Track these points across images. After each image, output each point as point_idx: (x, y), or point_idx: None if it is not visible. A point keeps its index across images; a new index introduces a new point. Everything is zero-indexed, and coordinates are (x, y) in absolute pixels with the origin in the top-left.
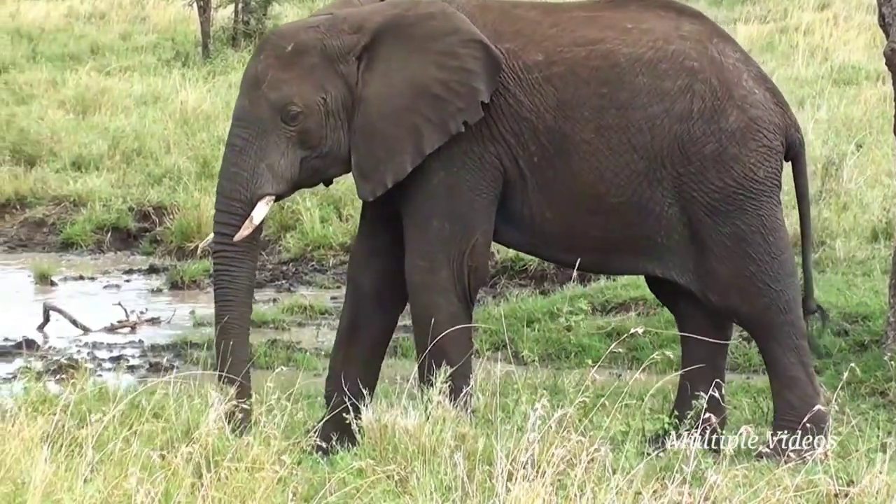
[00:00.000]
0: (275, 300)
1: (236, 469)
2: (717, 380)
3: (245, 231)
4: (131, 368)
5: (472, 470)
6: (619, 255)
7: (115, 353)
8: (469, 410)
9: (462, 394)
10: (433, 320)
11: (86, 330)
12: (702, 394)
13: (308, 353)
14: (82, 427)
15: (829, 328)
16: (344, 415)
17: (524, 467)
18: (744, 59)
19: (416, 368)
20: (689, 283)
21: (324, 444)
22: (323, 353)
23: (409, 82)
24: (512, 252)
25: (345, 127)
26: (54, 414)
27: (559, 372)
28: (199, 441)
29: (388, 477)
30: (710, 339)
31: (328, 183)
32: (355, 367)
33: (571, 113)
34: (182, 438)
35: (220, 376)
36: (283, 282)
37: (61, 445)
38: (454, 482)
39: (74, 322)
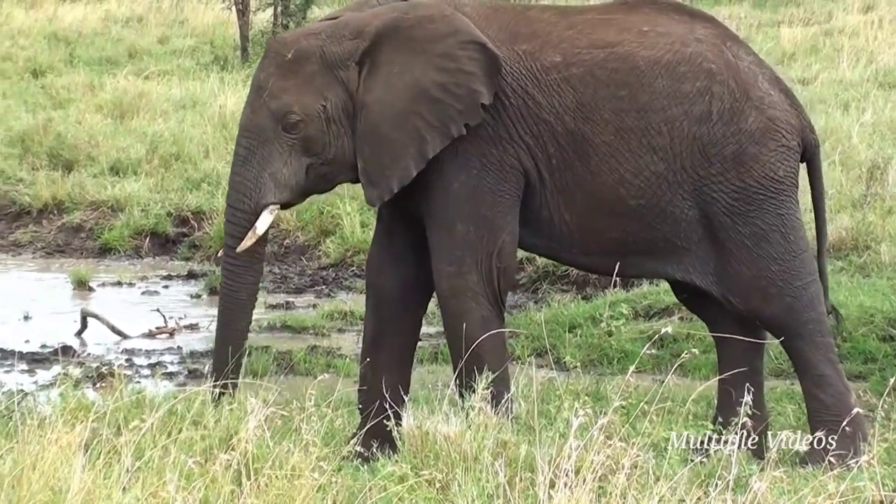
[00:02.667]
0: (315, 306)
1: (276, 476)
2: (756, 383)
3: (248, 241)
4: (169, 375)
5: (513, 477)
6: (638, 258)
7: (154, 360)
8: (511, 416)
9: (504, 399)
10: (465, 325)
11: (124, 336)
12: (745, 398)
13: (348, 360)
14: (120, 434)
15: (842, 330)
16: (384, 421)
17: (566, 474)
18: (757, 61)
19: (454, 375)
20: (709, 286)
21: (364, 451)
22: None
23: (410, 86)
24: None
25: (348, 133)
26: (92, 421)
27: (601, 378)
28: (238, 448)
29: (428, 484)
30: (746, 339)
31: (328, 190)
32: (387, 373)
33: (591, 115)
34: (221, 446)
35: (213, 384)
36: (323, 287)
37: (99, 453)
38: (496, 489)
39: (112, 328)
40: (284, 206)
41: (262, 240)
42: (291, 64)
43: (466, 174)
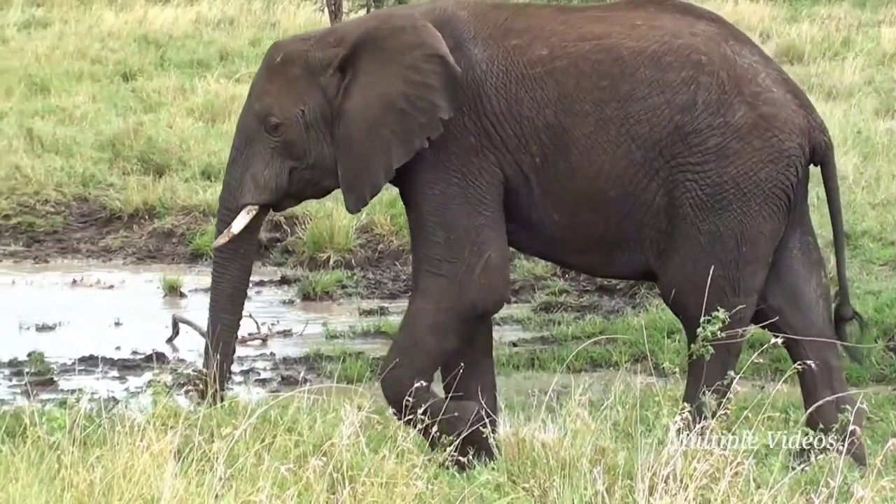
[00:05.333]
0: None
1: (371, 484)
2: (836, 382)
3: (221, 239)
4: (262, 382)
5: (612, 484)
6: (620, 252)
7: (246, 367)
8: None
9: (412, 405)
10: (416, 322)
11: None
12: (847, 405)
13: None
14: (213, 441)
15: (865, 336)
16: (481, 428)
17: (666, 481)
18: (764, 61)
19: (552, 381)
20: (656, 269)
21: (461, 459)
22: None
23: (381, 95)
24: None
25: (327, 139)
26: (185, 428)
27: None
28: (332, 455)
29: (526, 492)
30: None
31: (322, 195)
32: (472, 377)
33: (571, 106)
34: (315, 453)
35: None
36: None
37: (191, 460)
38: (594, 497)
39: (204, 334)
40: (276, 209)
41: (246, 236)
42: (279, 67)
43: (446, 183)
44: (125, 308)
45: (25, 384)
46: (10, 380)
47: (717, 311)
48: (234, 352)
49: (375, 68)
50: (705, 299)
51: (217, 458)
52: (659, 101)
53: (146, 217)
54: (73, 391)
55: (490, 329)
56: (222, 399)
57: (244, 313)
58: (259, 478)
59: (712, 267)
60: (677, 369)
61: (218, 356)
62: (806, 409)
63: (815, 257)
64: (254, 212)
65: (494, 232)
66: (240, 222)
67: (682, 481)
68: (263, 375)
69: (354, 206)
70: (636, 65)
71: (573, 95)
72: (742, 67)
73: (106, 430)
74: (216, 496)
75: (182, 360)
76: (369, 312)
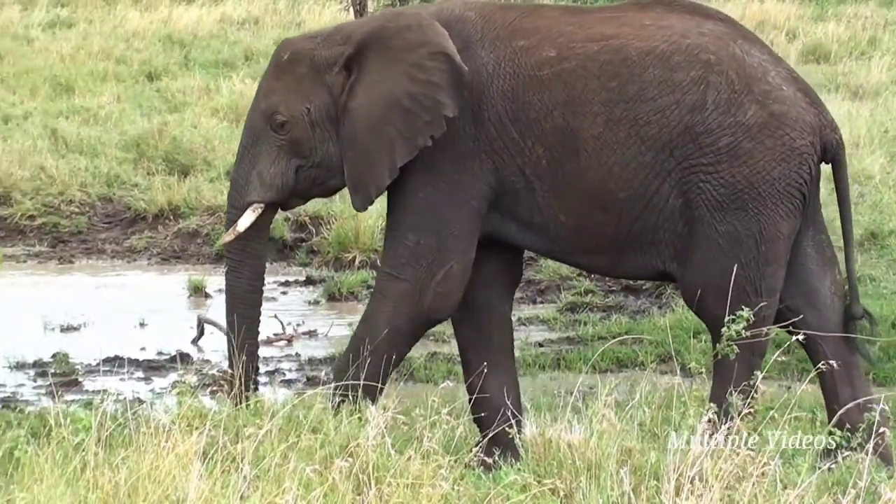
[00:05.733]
0: None
1: (398, 485)
2: (856, 379)
3: (227, 237)
4: (287, 382)
5: (638, 485)
6: (633, 254)
7: (272, 367)
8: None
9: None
10: (370, 321)
11: None
12: (874, 405)
13: None
14: (238, 442)
15: (876, 333)
16: (507, 429)
17: (692, 482)
18: (773, 59)
19: (578, 381)
20: (674, 270)
21: (487, 459)
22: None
23: (386, 94)
24: None
25: (333, 137)
26: (210, 429)
27: None
28: (358, 456)
29: (552, 492)
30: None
31: (329, 193)
32: (495, 377)
33: (580, 108)
34: (341, 453)
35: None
36: None
37: (217, 461)
38: (620, 498)
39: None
40: (283, 208)
41: (259, 235)
42: (286, 65)
43: (433, 188)
44: (150, 309)
45: (50, 385)
46: (35, 380)
47: (742, 311)
48: (258, 349)
49: (380, 67)
50: (728, 300)
51: (242, 458)
52: (668, 101)
53: (171, 217)
54: (97, 392)
55: (511, 329)
56: (247, 399)
57: (270, 314)
58: (285, 478)
59: (733, 268)
60: (703, 370)
61: (244, 356)
62: (827, 407)
63: (828, 255)
64: (259, 210)
65: (464, 243)
66: (246, 220)
67: (708, 482)
68: (289, 376)
69: (361, 205)
70: (645, 65)
71: (582, 97)
72: (751, 66)
73: (131, 430)
74: (241, 497)
75: (207, 361)
76: None
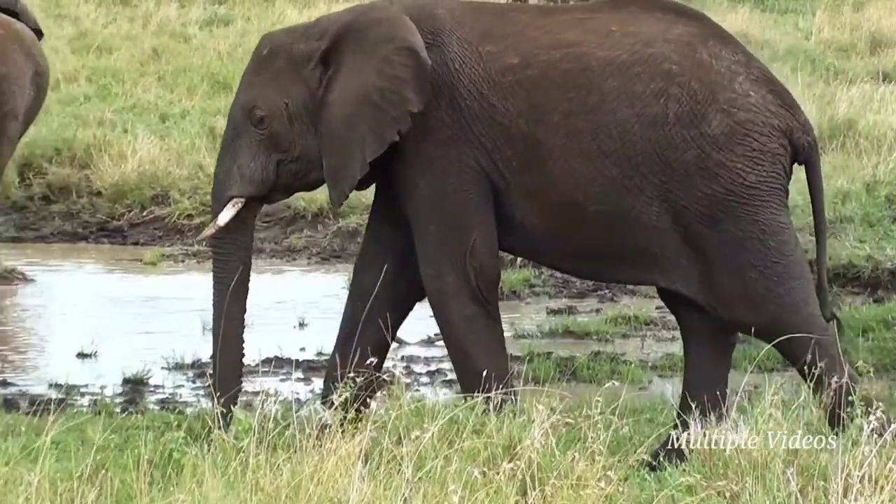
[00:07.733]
0: (598, 310)
1: (561, 486)
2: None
3: (207, 231)
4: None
5: (805, 486)
6: (615, 265)
7: (433, 367)
8: (503, 413)
9: (495, 397)
10: (449, 329)
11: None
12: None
13: (633, 366)
14: (400, 444)
15: (844, 338)
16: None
17: (860, 483)
18: (744, 61)
19: (743, 381)
20: (695, 295)
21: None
22: (649, 365)
23: (358, 89)
24: (844, 259)
25: (312, 131)
26: (372, 431)
27: (894, 383)
28: (522, 457)
29: (718, 493)
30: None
31: (311, 188)
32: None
33: (542, 117)
34: (504, 455)
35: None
36: (606, 291)
37: (379, 463)
38: (787, 498)
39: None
40: (266, 202)
41: (244, 229)
42: (265, 60)
43: (431, 175)
44: (310, 308)
45: (209, 386)
46: (195, 381)
47: (770, 310)
48: (243, 343)
49: (354, 61)
50: (753, 303)
51: (405, 460)
52: (628, 114)
53: (330, 216)
54: (257, 393)
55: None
56: (237, 394)
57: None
58: (448, 480)
59: (747, 272)
60: (871, 369)
61: (228, 349)
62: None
63: None
64: (240, 204)
65: (479, 215)
66: (226, 215)
67: (877, 482)
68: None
69: (336, 201)
70: (605, 75)
71: (543, 106)
72: (717, 73)
73: (295, 432)
74: (404, 499)
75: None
76: (557, 311)
